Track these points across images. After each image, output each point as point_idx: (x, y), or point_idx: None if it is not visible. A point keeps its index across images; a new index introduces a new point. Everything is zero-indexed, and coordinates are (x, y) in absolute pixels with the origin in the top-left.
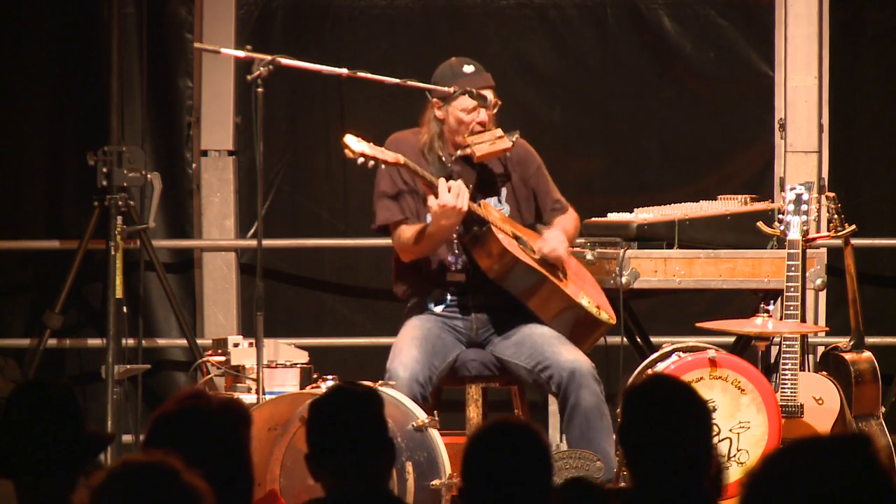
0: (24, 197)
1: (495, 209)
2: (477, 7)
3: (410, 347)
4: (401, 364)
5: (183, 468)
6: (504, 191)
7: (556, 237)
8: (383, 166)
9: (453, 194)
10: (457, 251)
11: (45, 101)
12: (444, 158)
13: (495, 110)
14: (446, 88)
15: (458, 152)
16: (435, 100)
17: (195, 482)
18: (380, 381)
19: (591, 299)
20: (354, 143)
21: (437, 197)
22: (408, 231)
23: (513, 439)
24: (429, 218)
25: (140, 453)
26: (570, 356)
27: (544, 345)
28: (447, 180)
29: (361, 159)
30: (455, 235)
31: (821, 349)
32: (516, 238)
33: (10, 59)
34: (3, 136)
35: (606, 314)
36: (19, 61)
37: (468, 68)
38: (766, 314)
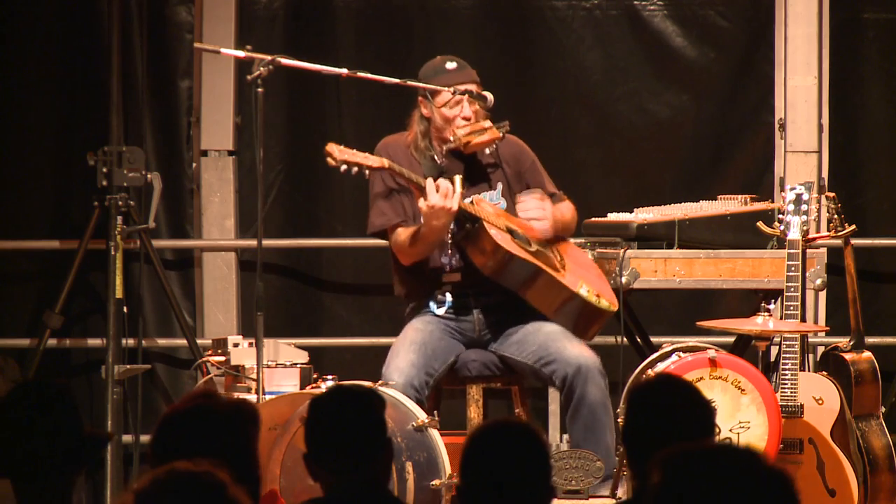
0: (28, 197)
1: (489, 204)
2: (476, 7)
3: (407, 352)
4: (396, 369)
5: (230, 482)
6: (500, 185)
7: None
8: (368, 172)
9: (441, 194)
10: (450, 252)
11: (47, 102)
12: (434, 156)
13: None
14: (446, 89)
15: (447, 146)
16: (420, 98)
17: (241, 497)
18: (380, 382)
19: (591, 287)
20: (336, 152)
21: (425, 199)
22: (403, 234)
23: (512, 439)
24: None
25: (185, 462)
26: (575, 351)
27: (548, 341)
28: (436, 179)
29: (344, 166)
30: (448, 235)
31: (821, 349)
32: (510, 232)
33: (12, 59)
34: (6, 137)
35: (607, 301)
36: (21, 62)
37: (450, 65)
38: (766, 314)
